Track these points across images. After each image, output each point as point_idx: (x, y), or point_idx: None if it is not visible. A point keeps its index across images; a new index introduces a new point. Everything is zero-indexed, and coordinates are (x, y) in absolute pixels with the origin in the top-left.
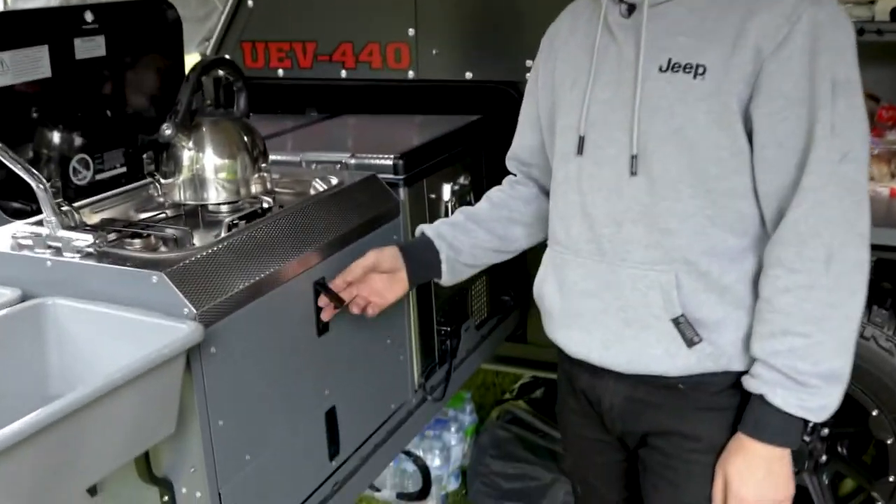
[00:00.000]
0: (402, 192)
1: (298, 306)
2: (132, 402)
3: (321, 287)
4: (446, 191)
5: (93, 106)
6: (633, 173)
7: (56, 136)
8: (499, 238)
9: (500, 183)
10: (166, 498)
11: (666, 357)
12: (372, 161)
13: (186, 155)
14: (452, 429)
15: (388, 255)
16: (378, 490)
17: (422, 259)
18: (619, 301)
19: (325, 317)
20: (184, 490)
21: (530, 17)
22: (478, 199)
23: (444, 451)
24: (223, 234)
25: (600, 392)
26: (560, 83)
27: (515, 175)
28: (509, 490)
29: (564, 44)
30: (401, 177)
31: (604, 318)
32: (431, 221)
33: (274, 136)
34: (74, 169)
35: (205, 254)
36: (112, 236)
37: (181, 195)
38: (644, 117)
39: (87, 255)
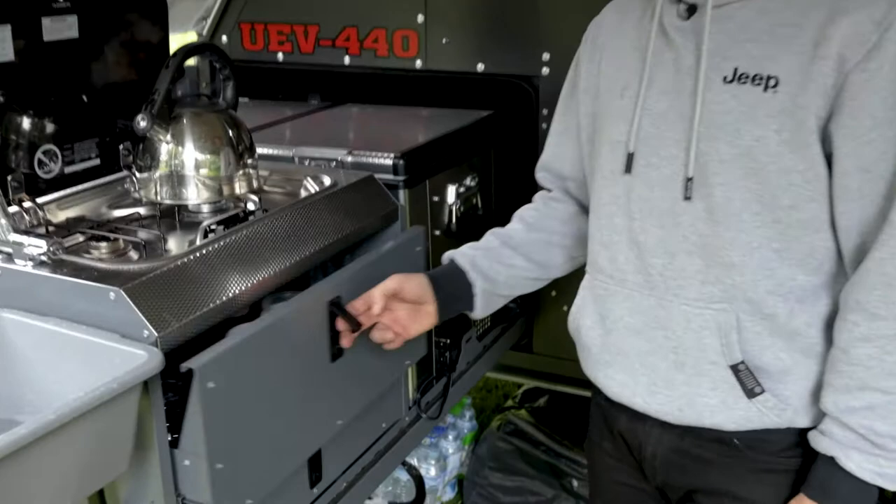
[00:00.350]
0: (402, 195)
1: (311, 328)
2: (74, 442)
3: (337, 309)
4: (451, 193)
5: (62, 92)
6: (686, 198)
7: (19, 124)
8: (537, 265)
9: (510, 185)
10: None
11: (721, 408)
12: (370, 160)
13: (164, 149)
14: (450, 436)
15: (415, 284)
16: (370, 498)
17: (453, 291)
18: (669, 341)
19: (345, 343)
20: None
21: (550, 6)
22: (485, 202)
23: (441, 460)
24: (198, 241)
25: (642, 438)
26: (607, 89)
27: (549, 190)
28: None
29: (610, 43)
30: (401, 178)
31: (651, 360)
32: (433, 227)
33: (269, 126)
34: (40, 161)
35: (173, 266)
36: (76, 239)
37: (157, 193)
38: (704, 135)
39: (41, 264)
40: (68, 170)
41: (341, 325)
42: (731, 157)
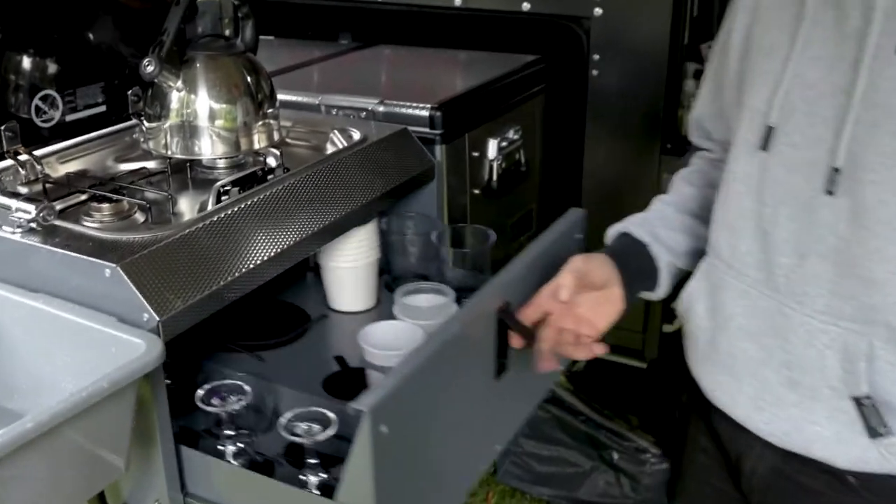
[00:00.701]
0: (439, 151)
1: (477, 344)
2: (58, 450)
3: (508, 318)
4: (492, 147)
5: (65, 29)
6: (829, 192)
7: (18, 64)
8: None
9: (557, 139)
10: None
11: (835, 442)
12: (404, 110)
13: (174, 97)
14: None
15: (600, 263)
16: None
17: (638, 268)
18: (785, 354)
19: (515, 344)
20: None
21: None
22: (529, 158)
23: None
24: (210, 206)
25: (742, 449)
26: (756, 46)
27: (707, 150)
28: (543, 474)
29: None
30: (438, 132)
31: (761, 371)
32: (473, 186)
33: (295, 69)
34: (38, 108)
35: (178, 236)
36: (75, 199)
37: (167, 146)
38: (863, 117)
39: (30, 231)
40: (70, 117)
41: (515, 339)
42: (894, 150)
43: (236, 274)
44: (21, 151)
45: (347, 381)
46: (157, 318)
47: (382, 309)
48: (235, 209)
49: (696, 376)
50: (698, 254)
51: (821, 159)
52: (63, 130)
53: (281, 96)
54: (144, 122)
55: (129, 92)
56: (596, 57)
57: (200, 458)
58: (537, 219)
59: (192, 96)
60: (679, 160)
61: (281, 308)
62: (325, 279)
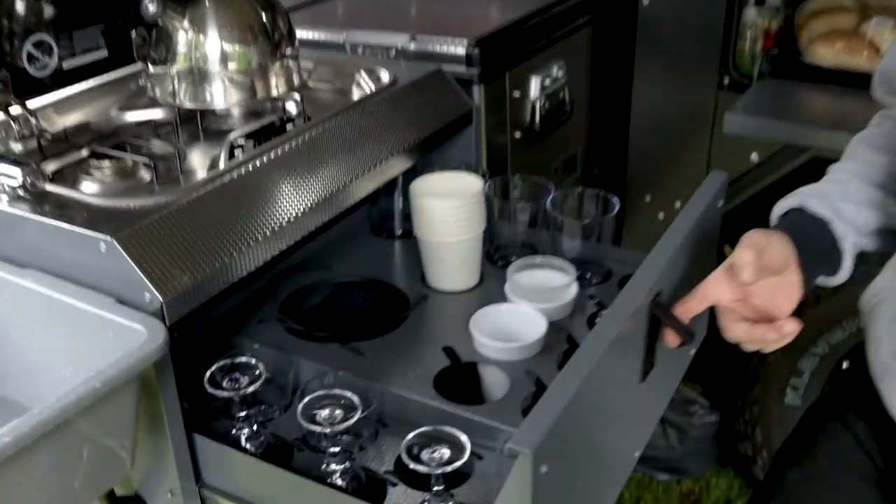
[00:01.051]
0: (477, 92)
1: (627, 344)
2: (48, 457)
3: (662, 313)
4: (534, 87)
5: None
6: None
7: (10, 5)
8: None
9: (604, 77)
10: None
11: None
12: (438, 48)
13: (181, 39)
14: None
15: (778, 242)
16: None
17: (818, 250)
18: None
19: (671, 342)
20: None
21: None
22: (575, 97)
23: None
24: (222, 163)
25: None
26: None
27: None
28: None
29: None
30: (475, 70)
31: None
32: (514, 129)
33: (318, 2)
34: (30, 55)
35: (185, 201)
36: (73, 157)
37: (175, 94)
38: None
39: (17, 199)
40: (68, 64)
41: (671, 338)
42: None
43: (252, 242)
44: (13, 104)
45: (460, 378)
46: (161, 299)
47: (487, 286)
48: (249, 167)
49: (879, 390)
50: (889, 234)
51: None
52: (60, 79)
53: (301, 34)
54: (150, 66)
55: (133, 33)
56: None
57: (214, 447)
58: (584, 162)
59: (201, 37)
60: (738, 97)
61: (376, 289)
62: (424, 255)
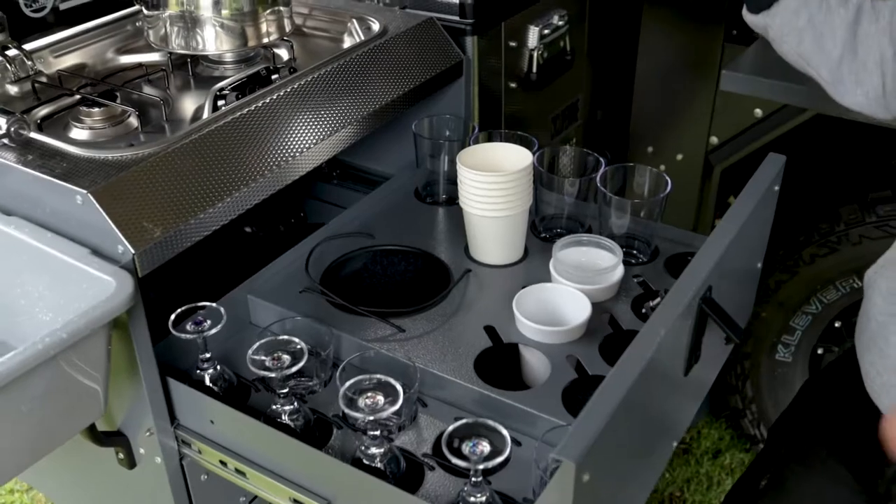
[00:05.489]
0: (470, 43)
1: (674, 341)
2: (22, 401)
3: (712, 310)
4: (532, 36)
5: None
6: None
7: None
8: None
9: (607, 23)
10: (122, 455)
11: None
12: None
13: None
14: None
15: None
16: None
17: None
18: None
19: None
20: (141, 451)
21: None
22: (576, 44)
23: None
24: (206, 112)
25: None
26: None
27: None
28: None
29: None
30: (469, 21)
31: None
32: (509, 79)
33: None
34: None
35: (163, 154)
36: (63, 102)
37: (167, 39)
38: None
39: (2, 147)
40: (64, 5)
41: None
42: None
43: (227, 197)
44: (10, 46)
45: (501, 359)
46: (132, 251)
47: (531, 260)
48: (229, 119)
49: (860, 361)
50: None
51: None
52: (57, 19)
53: None
54: (144, 9)
55: None
56: None
57: (185, 391)
58: (584, 109)
59: None
60: (744, 50)
61: (418, 259)
62: (469, 228)
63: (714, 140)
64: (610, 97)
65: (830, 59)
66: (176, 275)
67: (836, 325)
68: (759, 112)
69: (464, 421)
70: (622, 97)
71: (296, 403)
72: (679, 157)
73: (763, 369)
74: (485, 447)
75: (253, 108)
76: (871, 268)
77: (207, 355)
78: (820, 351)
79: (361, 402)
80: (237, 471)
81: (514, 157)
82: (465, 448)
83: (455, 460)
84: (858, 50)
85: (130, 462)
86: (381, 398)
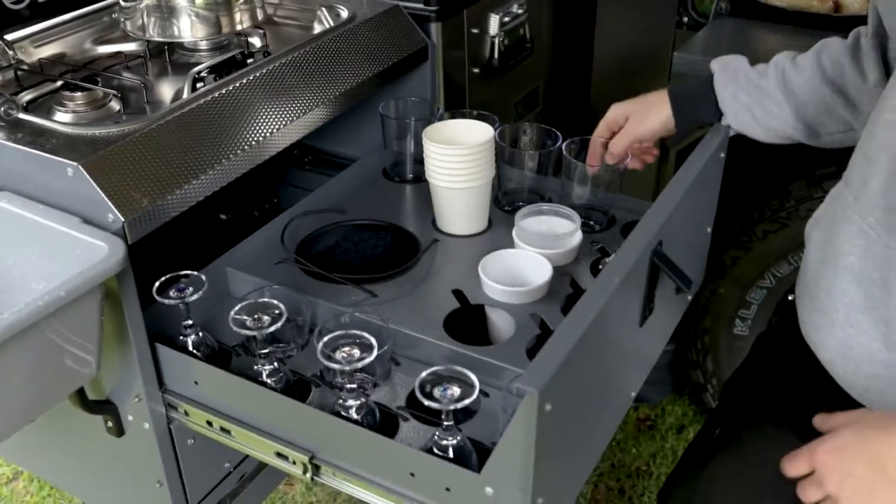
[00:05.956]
0: (434, 29)
1: (629, 292)
2: (20, 359)
3: (662, 261)
4: (493, 23)
5: None
6: None
7: None
8: (806, 128)
9: (567, 11)
10: (110, 424)
11: None
12: None
13: None
14: None
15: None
16: None
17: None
18: (886, 310)
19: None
20: (130, 418)
21: None
22: (536, 32)
23: None
24: (185, 94)
25: (826, 389)
26: None
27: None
28: None
29: None
30: (433, 8)
31: (858, 319)
32: (472, 65)
33: None
34: None
35: (147, 130)
36: (46, 87)
37: (145, 27)
38: None
39: None
40: None
41: None
42: None
43: (209, 170)
44: None
45: (468, 319)
46: (122, 219)
47: (495, 231)
48: (209, 98)
49: (798, 305)
50: (768, 133)
51: None
52: (36, 11)
53: None
54: (121, 0)
55: None
56: None
57: (174, 356)
58: (545, 96)
59: None
60: (694, 35)
61: (388, 232)
62: (436, 200)
63: None
64: (570, 83)
65: (785, 118)
66: (158, 260)
67: (790, 297)
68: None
69: (434, 369)
70: (582, 83)
71: (276, 364)
72: None
73: (722, 344)
74: (455, 391)
75: (231, 88)
76: (809, 222)
77: (190, 322)
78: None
79: (338, 355)
80: (222, 429)
81: (476, 133)
82: (437, 392)
83: (428, 402)
84: (805, 100)
85: (119, 430)
86: (356, 352)
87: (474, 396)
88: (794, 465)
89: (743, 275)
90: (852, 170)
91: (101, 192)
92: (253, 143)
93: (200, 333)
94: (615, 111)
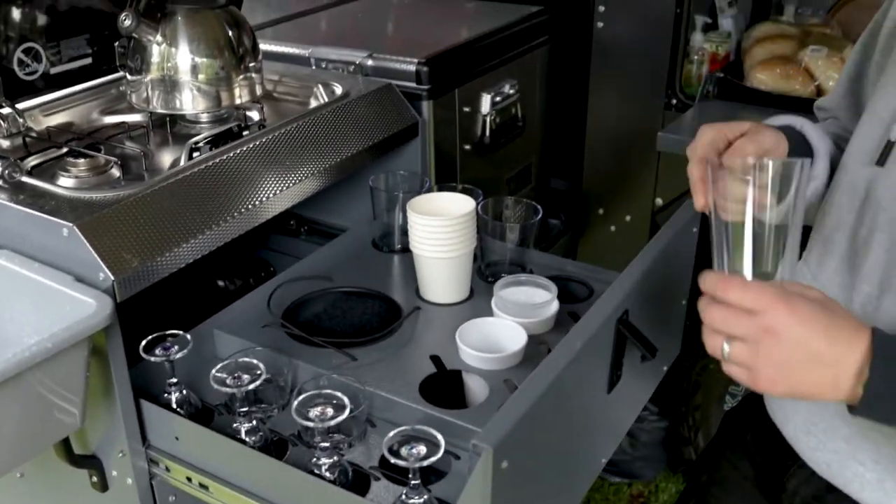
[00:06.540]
0: (426, 106)
1: (595, 357)
2: (9, 402)
3: (628, 330)
4: (485, 102)
5: None
6: None
7: (6, 14)
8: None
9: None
10: (95, 479)
11: (876, 488)
12: (392, 65)
13: (154, 51)
14: None
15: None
16: None
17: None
18: None
19: None
20: (114, 473)
21: None
22: (527, 113)
23: None
24: (182, 161)
25: (790, 466)
26: (888, 42)
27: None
28: None
29: None
30: (425, 87)
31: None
32: (464, 141)
33: (296, 17)
34: (20, 60)
35: (142, 195)
36: (52, 153)
37: (149, 100)
38: None
39: None
40: (55, 70)
41: None
42: None
43: (199, 235)
44: (3, 104)
45: (444, 384)
46: (112, 278)
47: (476, 300)
48: (203, 167)
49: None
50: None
51: None
52: (48, 82)
53: (273, 48)
54: (128, 75)
55: (116, 43)
56: (601, 9)
57: (156, 411)
58: (537, 173)
59: (173, 50)
60: (682, 116)
61: (372, 300)
62: (419, 269)
63: (659, 202)
64: (562, 162)
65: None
66: (154, 322)
67: None
68: None
69: (402, 429)
70: (575, 162)
71: (255, 422)
72: (628, 217)
73: (713, 420)
74: (421, 449)
75: (224, 157)
76: None
77: (174, 380)
78: None
79: (312, 414)
80: (201, 485)
81: (459, 205)
82: (404, 451)
83: (394, 460)
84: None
85: (103, 485)
86: (330, 410)
87: (439, 455)
88: (730, 289)
89: None
90: (811, 251)
91: (93, 251)
92: (243, 210)
93: (184, 391)
94: (713, 132)
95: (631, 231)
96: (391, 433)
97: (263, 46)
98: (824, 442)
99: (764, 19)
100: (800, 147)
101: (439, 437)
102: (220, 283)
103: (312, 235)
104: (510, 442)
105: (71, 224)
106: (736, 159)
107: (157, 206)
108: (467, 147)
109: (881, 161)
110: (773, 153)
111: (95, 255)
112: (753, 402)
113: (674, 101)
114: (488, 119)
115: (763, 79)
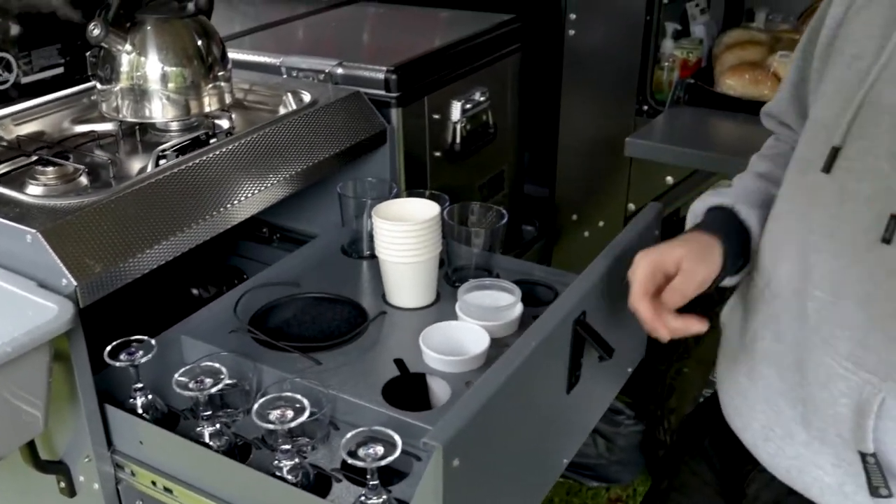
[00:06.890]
0: (395, 114)
1: (552, 358)
2: None
3: (585, 330)
4: (455, 110)
5: None
6: (885, 240)
7: None
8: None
9: (530, 101)
10: (63, 484)
11: (836, 492)
12: (361, 73)
13: (124, 60)
14: None
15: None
16: None
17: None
18: (802, 390)
19: None
20: (81, 478)
21: None
22: (498, 120)
23: None
24: (149, 169)
25: (750, 472)
26: (838, 51)
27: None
28: None
29: None
30: (393, 95)
31: (777, 401)
32: (434, 148)
33: (270, 27)
34: None
35: (106, 202)
36: (20, 162)
37: (119, 109)
38: None
39: None
40: (26, 79)
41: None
42: None
43: (163, 241)
44: None
45: (408, 387)
46: (74, 284)
47: (442, 304)
48: (168, 174)
49: (719, 389)
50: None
51: (879, 198)
52: (19, 91)
53: (245, 57)
54: (98, 84)
55: (88, 53)
56: (572, 16)
57: (120, 416)
58: (511, 180)
59: (142, 59)
60: (653, 121)
61: (339, 305)
62: (384, 274)
63: (631, 207)
64: (536, 168)
65: None
66: (125, 330)
67: None
68: (670, 179)
69: (360, 430)
70: (548, 168)
71: (218, 426)
72: (601, 223)
73: None
74: (379, 450)
75: (191, 164)
76: (724, 308)
77: (140, 385)
78: None
79: (272, 416)
80: (165, 489)
81: (424, 211)
82: (362, 452)
83: (351, 460)
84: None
85: (71, 490)
86: (291, 412)
87: (396, 455)
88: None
89: (706, 354)
90: (763, 259)
91: (56, 257)
92: (208, 216)
93: (150, 396)
94: (651, 266)
95: (605, 236)
96: (349, 434)
97: (236, 56)
98: (783, 448)
99: (736, 26)
100: (732, 229)
101: (396, 437)
102: (194, 291)
103: (284, 243)
104: (461, 440)
105: (34, 231)
106: None
107: (122, 212)
108: (438, 154)
109: (826, 168)
110: (709, 279)
111: (58, 261)
112: (710, 408)
113: (645, 107)
114: (458, 126)
115: (732, 84)
